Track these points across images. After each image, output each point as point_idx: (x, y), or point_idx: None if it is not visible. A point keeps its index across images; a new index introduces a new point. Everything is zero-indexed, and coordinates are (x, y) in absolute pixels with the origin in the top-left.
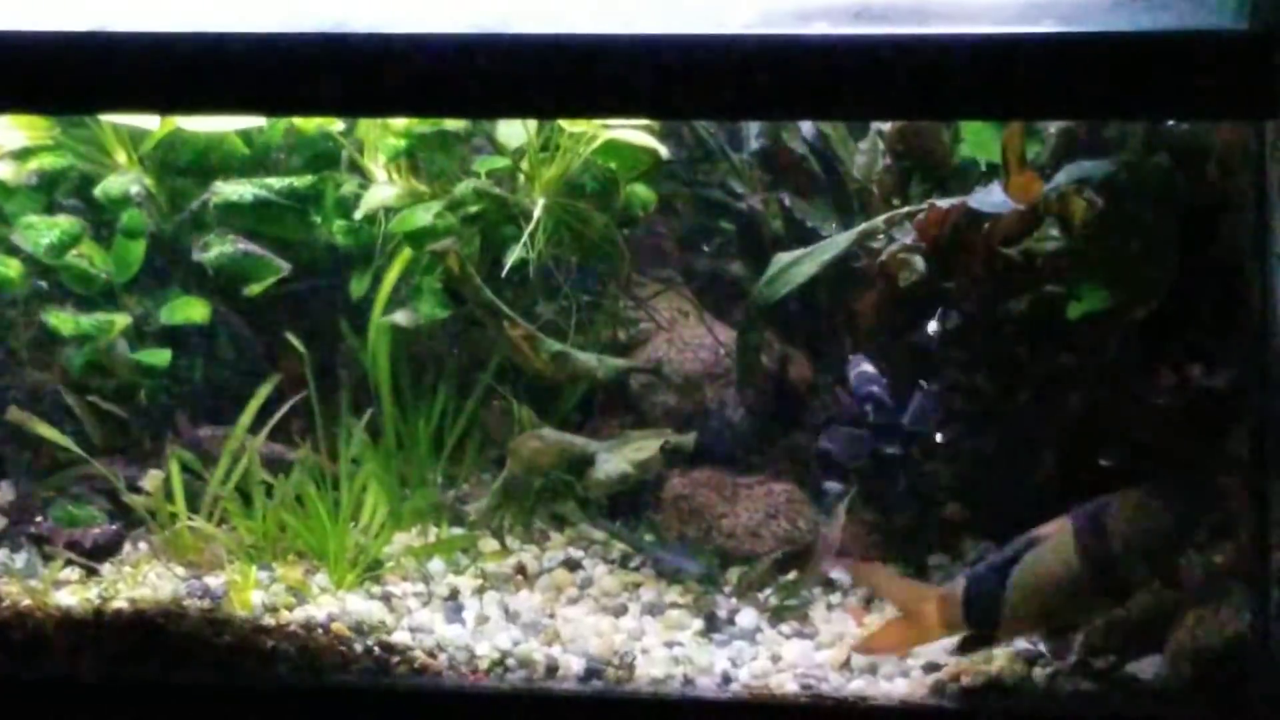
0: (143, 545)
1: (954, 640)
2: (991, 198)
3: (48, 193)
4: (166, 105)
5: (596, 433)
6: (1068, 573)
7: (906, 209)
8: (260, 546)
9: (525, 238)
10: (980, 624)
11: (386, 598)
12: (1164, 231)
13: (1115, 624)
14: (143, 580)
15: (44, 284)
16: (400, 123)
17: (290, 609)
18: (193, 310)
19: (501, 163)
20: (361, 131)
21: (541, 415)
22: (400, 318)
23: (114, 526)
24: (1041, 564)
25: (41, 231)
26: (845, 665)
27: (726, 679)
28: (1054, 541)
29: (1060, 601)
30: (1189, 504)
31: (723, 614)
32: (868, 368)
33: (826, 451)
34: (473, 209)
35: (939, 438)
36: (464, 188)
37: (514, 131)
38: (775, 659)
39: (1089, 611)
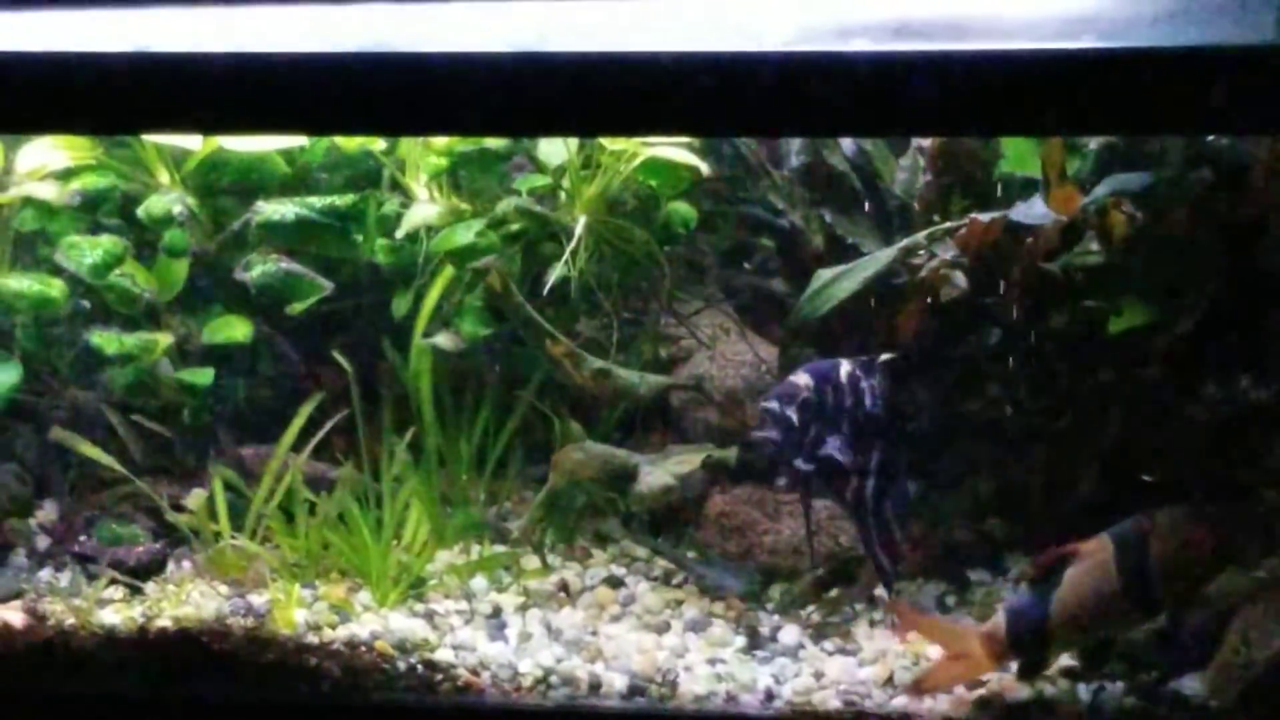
0: (186, 564)
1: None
2: (1033, 210)
3: (91, 213)
4: (208, 125)
5: (638, 449)
6: (1108, 589)
7: (947, 224)
8: (303, 565)
9: (566, 255)
10: (1028, 651)
11: (429, 615)
12: (1205, 246)
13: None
14: (186, 599)
15: (87, 303)
16: (441, 141)
17: (333, 627)
18: (235, 329)
19: (542, 181)
20: (403, 150)
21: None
22: (443, 340)
23: (157, 545)
24: (1082, 581)
25: (85, 251)
26: (889, 681)
27: (769, 696)
28: (1094, 559)
29: (1101, 617)
30: (1232, 528)
31: (765, 631)
32: (799, 379)
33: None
34: (514, 227)
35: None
36: (505, 206)
37: (555, 149)
38: (818, 676)
39: (1127, 627)
